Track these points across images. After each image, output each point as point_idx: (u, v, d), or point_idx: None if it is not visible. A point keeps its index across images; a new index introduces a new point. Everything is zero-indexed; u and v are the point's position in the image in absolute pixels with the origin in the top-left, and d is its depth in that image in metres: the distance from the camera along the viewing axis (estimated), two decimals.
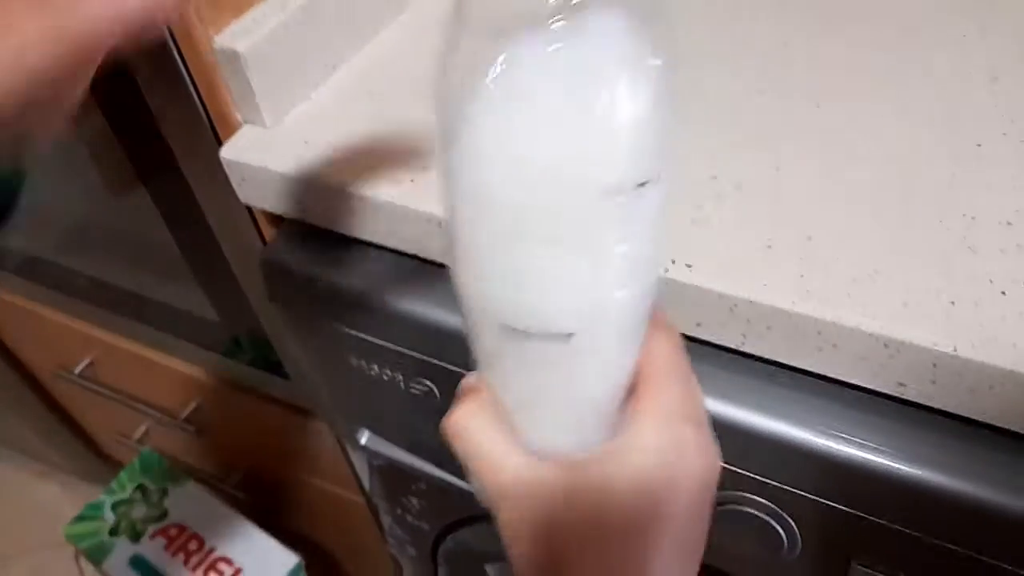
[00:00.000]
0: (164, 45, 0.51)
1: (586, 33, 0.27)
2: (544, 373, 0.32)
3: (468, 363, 0.35)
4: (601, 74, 0.28)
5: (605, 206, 0.29)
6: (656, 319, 0.33)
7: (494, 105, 0.28)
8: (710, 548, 0.51)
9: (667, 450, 0.30)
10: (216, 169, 0.56)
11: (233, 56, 0.51)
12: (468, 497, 0.62)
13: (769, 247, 0.44)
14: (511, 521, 0.32)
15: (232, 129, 0.56)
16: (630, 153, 0.28)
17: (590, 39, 0.27)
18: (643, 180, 0.29)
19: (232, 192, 0.57)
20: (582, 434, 0.33)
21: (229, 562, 1.07)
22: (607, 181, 0.28)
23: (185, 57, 0.51)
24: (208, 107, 0.54)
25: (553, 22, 0.27)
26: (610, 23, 0.28)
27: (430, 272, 0.54)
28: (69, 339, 1.03)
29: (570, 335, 0.31)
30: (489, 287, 0.31)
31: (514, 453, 0.33)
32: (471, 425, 0.34)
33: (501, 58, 0.28)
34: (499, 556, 0.72)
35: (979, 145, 0.49)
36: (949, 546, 0.44)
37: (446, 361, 0.55)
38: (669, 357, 0.33)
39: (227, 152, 0.54)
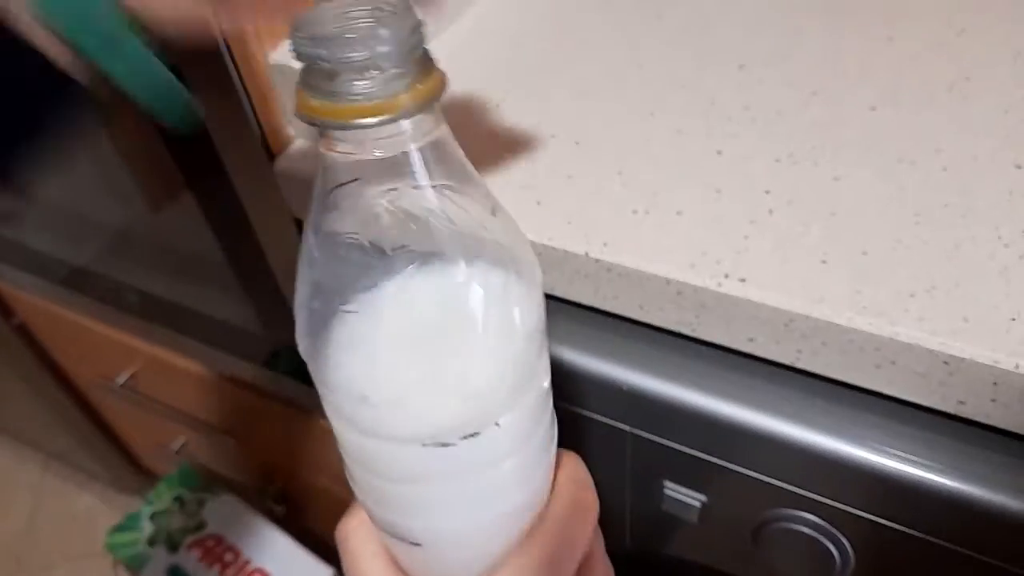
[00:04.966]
0: (220, 60, 0.51)
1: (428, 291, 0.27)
2: (401, 552, 0.34)
3: None
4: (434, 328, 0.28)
5: (428, 452, 0.29)
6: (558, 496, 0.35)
7: (341, 341, 0.28)
8: (759, 568, 0.51)
9: None
10: (266, 182, 0.57)
11: (288, 72, 0.51)
12: None
13: (824, 261, 0.44)
14: None
15: (283, 143, 0.56)
16: (452, 411, 0.28)
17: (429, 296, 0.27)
18: (471, 432, 0.29)
19: (280, 205, 0.58)
20: None
21: (265, 574, 1.08)
22: (425, 433, 0.28)
23: (240, 71, 0.52)
24: (261, 120, 0.55)
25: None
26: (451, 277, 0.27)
27: None
28: (112, 350, 1.04)
29: (417, 544, 0.32)
30: (355, 483, 0.33)
31: None
32: (352, 541, 0.36)
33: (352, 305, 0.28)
34: None
35: None
36: (1008, 567, 0.43)
37: None
38: (534, 540, 0.34)
39: (281, 164, 0.55)
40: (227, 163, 0.60)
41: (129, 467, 1.47)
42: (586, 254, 0.46)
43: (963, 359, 0.39)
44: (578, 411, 0.54)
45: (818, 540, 0.48)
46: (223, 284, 0.77)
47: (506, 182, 0.51)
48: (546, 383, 0.32)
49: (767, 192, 0.48)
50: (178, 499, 1.16)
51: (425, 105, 0.24)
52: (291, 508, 1.11)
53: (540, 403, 0.32)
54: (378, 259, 0.27)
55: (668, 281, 0.44)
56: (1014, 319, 0.40)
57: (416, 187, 0.25)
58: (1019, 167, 0.48)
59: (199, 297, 0.84)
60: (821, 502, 0.47)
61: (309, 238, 0.27)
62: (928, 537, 0.44)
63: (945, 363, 0.39)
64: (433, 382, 0.28)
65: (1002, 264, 0.42)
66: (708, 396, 0.47)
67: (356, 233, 0.27)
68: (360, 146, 0.24)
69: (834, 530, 0.47)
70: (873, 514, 0.45)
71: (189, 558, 1.12)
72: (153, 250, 0.83)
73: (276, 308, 0.74)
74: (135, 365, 1.05)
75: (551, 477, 0.35)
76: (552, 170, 0.52)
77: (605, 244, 0.46)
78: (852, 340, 0.41)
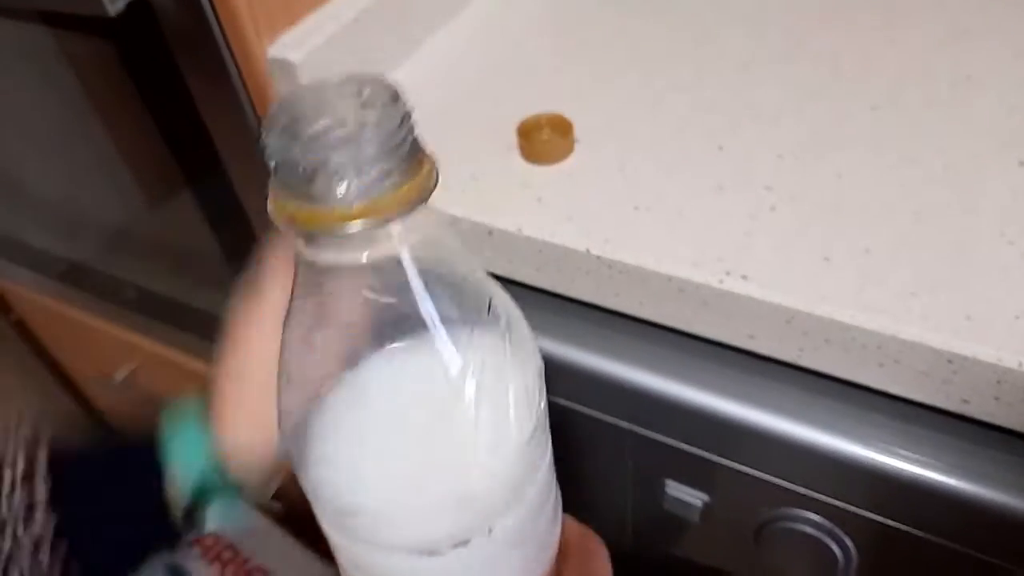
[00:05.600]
0: (219, 55, 0.51)
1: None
2: None
3: None
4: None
5: (415, 560, 0.26)
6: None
7: (323, 442, 0.26)
8: (761, 568, 0.50)
9: None
10: (265, 178, 0.57)
11: (287, 66, 0.51)
12: None
13: (826, 259, 0.43)
14: None
15: None
16: (443, 523, 0.26)
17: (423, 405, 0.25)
18: (462, 540, 0.26)
19: None
20: None
21: (265, 572, 1.07)
22: (411, 542, 0.26)
23: (239, 66, 0.52)
24: (259, 116, 0.55)
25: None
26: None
27: None
28: (111, 346, 1.04)
29: None
30: None
31: None
32: None
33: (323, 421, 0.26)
34: None
35: None
36: (1010, 567, 0.43)
37: None
38: None
39: None
40: (225, 158, 0.59)
41: None
42: (587, 251, 0.46)
43: (966, 357, 0.39)
44: (579, 408, 0.53)
45: (821, 539, 0.48)
46: (221, 280, 0.77)
47: (507, 178, 0.51)
48: (545, 473, 0.30)
49: (769, 189, 0.48)
50: None
51: (415, 205, 0.22)
52: (290, 506, 1.11)
53: (538, 499, 0.29)
54: (363, 355, 0.25)
55: (670, 278, 0.44)
56: (1018, 317, 0.39)
57: (405, 282, 0.23)
58: (1023, 164, 0.47)
59: (197, 293, 0.84)
60: (824, 501, 0.46)
61: (288, 333, 0.25)
62: (931, 536, 0.44)
63: (948, 361, 0.39)
64: (420, 489, 0.25)
65: (1005, 262, 0.42)
66: (709, 394, 0.47)
67: (339, 327, 0.25)
68: (343, 249, 0.22)
69: (837, 529, 0.47)
70: (876, 513, 0.45)
71: (189, 556, 1.11)
72: (152, 246, 0.83)
73: None
74: (134, 361, 1.05)
75: (554, 558, 0.32)
76: (553, 167, 0.51)
77: (606, 241, 0.46)
78: (854, 338, 0.41)
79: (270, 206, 0.22)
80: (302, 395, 0.26)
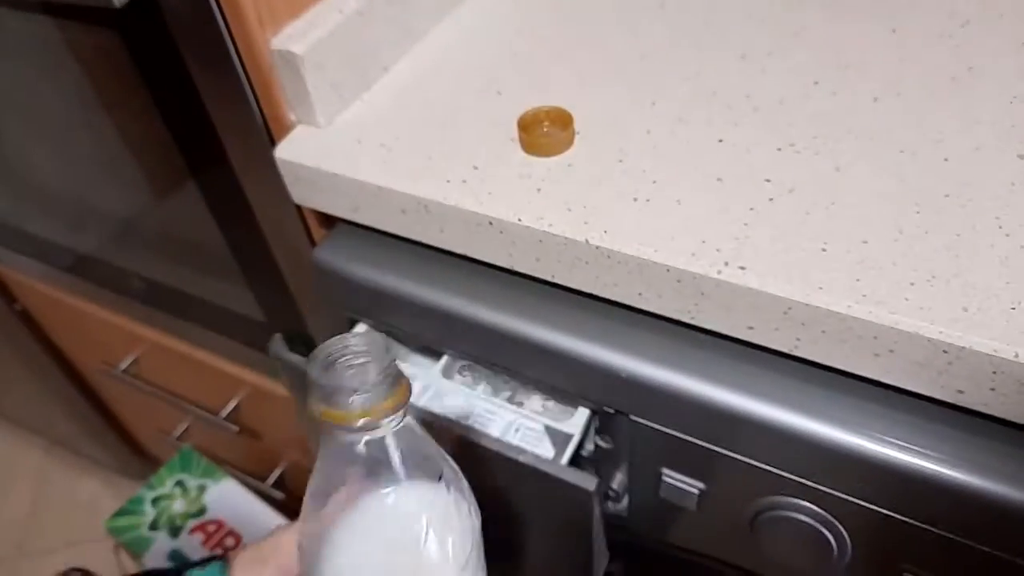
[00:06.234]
0: (222, 45, 0.51)
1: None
2: None
3: (519, 367, 0.37)
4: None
5: None
6: None
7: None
8: (757, 556, 0.50)
9: None
10: (268, 169, 0.57)
11: (290, 57, 0.51)
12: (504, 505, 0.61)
13: (824, 250, 0.44)
14: None
15: (285, 129, 0.56)
16: None
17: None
18: None
19: (283, 192, 0.58)
20: None
21: None
22: None
23: (242, 57, 0.52)
24: (263, 107, 0.55)
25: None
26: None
27: (481, 273, 0.54)
28: (115, 336, 1.04)
29: None
30: None
31: None
32: None
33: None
34: None
35: None
36: (1004, 557, 0.43)
37: (495, 363, 0.55)
38: None
39: (281, 152, 0.55)
40: (229, 149, 0.60)
41: (132, 453, 1.47)
42: (586, 241, 0.46)
43: (962, 348, 0.39)
44: (577, 398, 0.54)
45: (815, 528, 0.48)
46: (225, 270, 0.77)
47: (507, 169, 0.51)
48: None
49: (768, 181, 0.48)
50: (179, 484, 1.17)
51: (397, 409, 0.35)
52: (292, 494, 1.12)
53: None
54: (357, 503, 0.37)
55: (668, 269, 0.45)
56: (1014, 308, 0.40)
57: (388, 456, 0.36)
58: (1022, 157, 0.48)
59: (201, 283, 0.85)
60: (819, 490, 0.47)
61: (311, 487, 0.38)
62: (924, 525, 0.45)
63: (944, 352, 0.39)
64: None
65: (1002, 253, 0.42)
66: (707, 383, 0.48)
67: (343, 484, 0.38)
68: (352, 435, 0.35)
69: (832, 519, 0.48)
70: (870, 502, 0.45)
71: (191, 542, 1.12)
72: (156, 236, 0.83)
73: (278, 294, 0.74)
74: (137, 351, 1.06)
75: None
76: (553, 159, 0.52)
77: (605, 231, 0.46)
78: (851, 328, 0.41)
79: (309, 407, 0.34)
80: (314, 530, 0.38)
